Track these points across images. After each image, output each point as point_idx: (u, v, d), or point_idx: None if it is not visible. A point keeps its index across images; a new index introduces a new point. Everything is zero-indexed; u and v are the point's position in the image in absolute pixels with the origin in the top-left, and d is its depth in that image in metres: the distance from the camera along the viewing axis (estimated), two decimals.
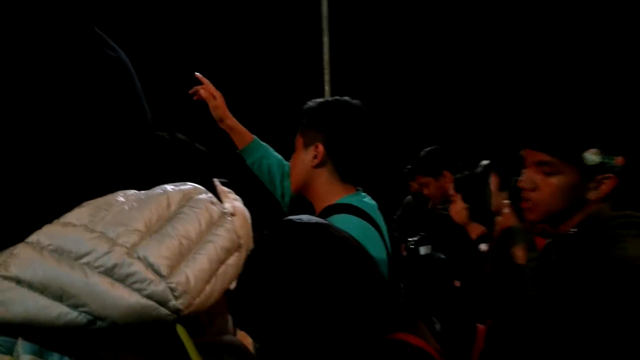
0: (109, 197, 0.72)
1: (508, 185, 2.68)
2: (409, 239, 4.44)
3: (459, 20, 7.12)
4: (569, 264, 1.85)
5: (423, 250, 4.12)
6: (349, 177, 2.23)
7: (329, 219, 2.09)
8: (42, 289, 0.65)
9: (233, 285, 0.81)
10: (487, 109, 6.99)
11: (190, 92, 2.55)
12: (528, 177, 1.94)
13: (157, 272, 0.68)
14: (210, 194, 0.79)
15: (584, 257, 1.81)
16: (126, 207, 0.71)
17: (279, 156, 2.60)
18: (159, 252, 0.68)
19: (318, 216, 2.18)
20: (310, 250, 1.23)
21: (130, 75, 0.81)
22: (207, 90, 2.54)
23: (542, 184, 1.92)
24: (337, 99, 2.27)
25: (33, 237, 0.67)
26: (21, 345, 0.66)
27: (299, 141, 2.25)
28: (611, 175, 1.85)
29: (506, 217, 2.42)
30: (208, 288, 0.72)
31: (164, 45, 6.70)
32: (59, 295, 0.65)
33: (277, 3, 7.00)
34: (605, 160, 1.84)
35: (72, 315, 0.66)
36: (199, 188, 0.78)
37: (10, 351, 0.66)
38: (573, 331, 1.76)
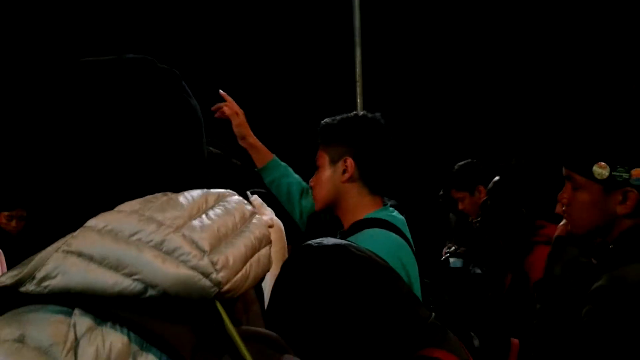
0: (155, 194, 0.82)
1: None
2: (445, 251, 4.41)
3: (492, 35, 7.07)
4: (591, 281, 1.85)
5: (453, 262, 4.09)
6: (378, 188, 2.24)
7: (360, 233, 2.09)
8: (100, 261, 0.74)
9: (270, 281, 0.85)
10: (522, 123, 6.92)
11: (213, 108, 2.57)
12: (563, 191, 1.96)
13: (200, 248, 0.76)
14: (241, 197, 0.88)
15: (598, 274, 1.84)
16: (171, 200, 0.81)
17: (298, 176, 2.60)
18: (201, 234, 0.77)
19: (347, 231, 2.18)
20: (332, 273, 1.22)
21: (200, 119, 0.95)
22: (230, 107, 2.54)
23: (572, 199, 1.93)
24: (356, 114, 2.29)
25: (91, 222, 0.77)
26: (78, 313, 0.74)
27: (323, 158, 2.26)
28: (631, 188, 1.82)
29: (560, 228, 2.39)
30: (244, 269, 0.79)
31: (189, 60, 6.76)
32: (116, 266, 0.74)
33: (309, 16, 7.02)
34: (615, 174, 1.80)
35: (127, 282, 0.73)
36: (232, 192, 0.88)
37: (68, 315, 0.74)
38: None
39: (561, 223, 2.30)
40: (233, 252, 0.78)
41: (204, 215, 0.80)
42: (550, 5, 6.85)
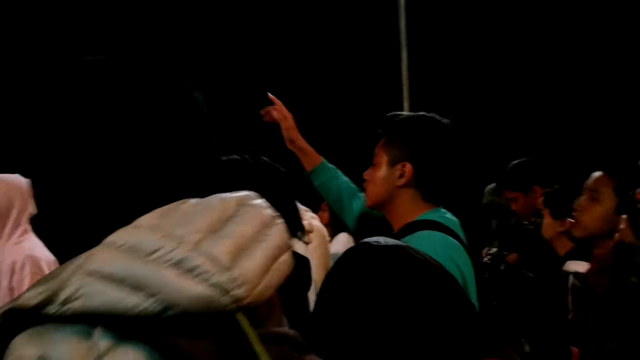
0: (175, 204, 0.81)
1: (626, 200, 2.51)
2: (487, 253, 4.32)
3: (542, 30, 6.95)
4: None
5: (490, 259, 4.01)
6: (432, 197, 2.15)
7: (412, 236, 2.02)
8: (119, 282, 0.73)
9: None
10: (579, 119, 6.77)
11: (261, 112, 2.54)
12: None
13: (219, 265, 0.75)
14: (263, 200, 0.87)
15: None
16: (190, 210, 0.80)
17: (347, 178, 2.55)
18: (220, 248, 0.76)
19: (397, 234, 2.10)
20: (390, 274, 1.16)
21: (205, 112, 0.93)
22: (279, 111, 2.52)
23: None
24: (424, 116, 2.18)
25: (109, 239, 0.76)
26: (99, 332, 0.73)
27: (382, 156, 2.17)
28: None
29: (623, 232, 2.26)
30: (264, 281, 0.79)
31: (239, 65, 6.78)
32: (135, 287, 0.73)
33: (354, 18, 6.99)
34: None
35: (147, 303, 0.73)
36: (252, 194, 0.86)
37: (89, 336, 0.74)
38: None
39: (621, 226, 2.19)
40: (253, 264, 0.78)
41: (223, 227, 0.79)
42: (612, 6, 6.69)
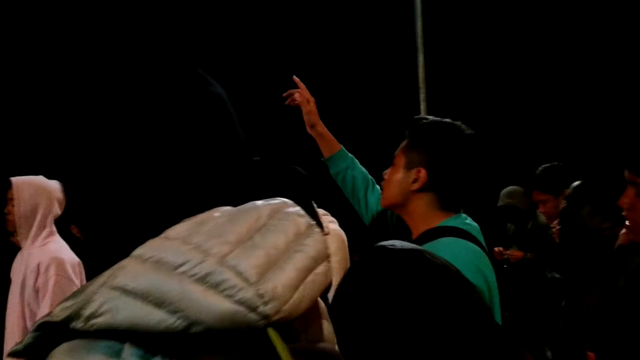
0: (207, 214, 0.80)
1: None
2: (501, 257, 4.31)
3: (556, 36, 6.91)
4: None
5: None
6: (450, 205, 2.13)
7: (434, 242, 1.99)
8: (144, 297, 0.72)
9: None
10: (591, 122, 6.73)
11: (284, 94, 2.55)
12: (625, 196, 1.91)
13: (246, 280, 0.72)
14: (298, 207, 0.84)
15: None
16: (220, 221, 0.78)
17: (364, 169, 2.53)
18: (248, 262, 0.73)
19: (417, 239, 2.08)
20: (406, 278, 1.16)
21: (227, 106, 0.92)
22: (302, 94, 2.51)
23: (635, 204, 1.88)
24: (448, 123, 2.15)
25: (137, 251, 0.76)
26: (128, 349, 0.72)
27: (401, 158, 2.15)
28: None
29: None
30: (297, 295, 0.75)
31: (263, 61, 6.80)
32: (159, 303, 0.71)
33: (372, 22, 6.98)
34: None
35: (171, 320, 0.71)
36: (288, 202, 0.84)
37: (118, 354, 0.72)
38: None
39: (622, 231, 2.19)
40: (283, 279, 0.75)
41: (254, 238, 0.77)
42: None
